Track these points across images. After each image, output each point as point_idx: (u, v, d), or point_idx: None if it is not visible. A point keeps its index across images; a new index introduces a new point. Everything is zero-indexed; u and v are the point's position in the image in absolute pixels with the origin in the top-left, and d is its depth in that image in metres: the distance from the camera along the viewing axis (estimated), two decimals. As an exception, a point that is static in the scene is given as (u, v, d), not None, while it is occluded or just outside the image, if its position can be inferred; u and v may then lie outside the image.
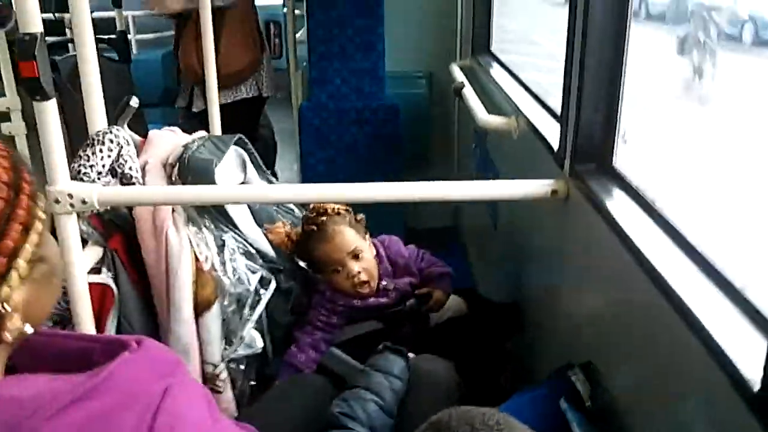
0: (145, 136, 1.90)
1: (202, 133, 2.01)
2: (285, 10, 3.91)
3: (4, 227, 0.69)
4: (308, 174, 3.34)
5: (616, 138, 1.45)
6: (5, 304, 0.69)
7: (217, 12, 2.59)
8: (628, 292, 1.20)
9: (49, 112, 1.37)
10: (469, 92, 2.49)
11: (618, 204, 1.30)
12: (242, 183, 1.99)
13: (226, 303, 1.75)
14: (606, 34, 1.40)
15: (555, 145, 1.62)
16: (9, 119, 3.09)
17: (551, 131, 1.73)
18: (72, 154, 1.63)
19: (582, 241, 1.47)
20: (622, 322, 1.24)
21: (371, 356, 1.58)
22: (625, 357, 1.22)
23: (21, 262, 0.70)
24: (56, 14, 4.04)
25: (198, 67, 2.87)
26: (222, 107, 2.48)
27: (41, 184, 0.78)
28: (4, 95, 3.08)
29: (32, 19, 1.30)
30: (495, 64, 2.79)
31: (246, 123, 3.04)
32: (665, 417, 1.04)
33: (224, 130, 2.40)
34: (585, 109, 1.45)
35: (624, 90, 1.44)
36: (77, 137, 1.95)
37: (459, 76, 2.82)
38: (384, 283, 1.90)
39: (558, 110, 1.63)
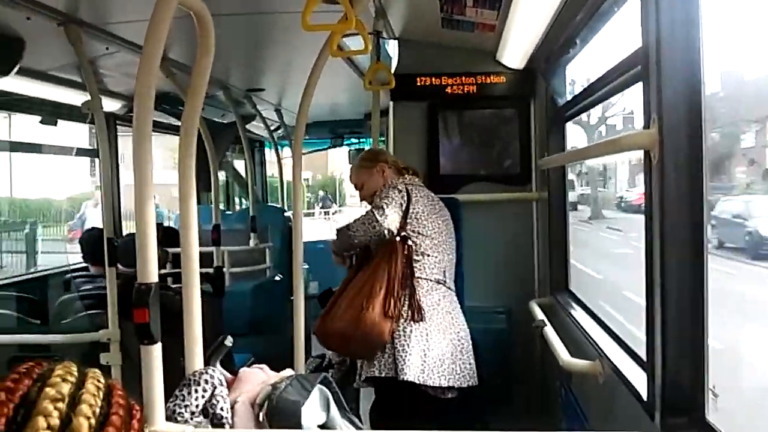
0: (229, 367, 1.96)
1: (289, 371, 2.06)
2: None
3: None
4: None
5: (706, 388, 1.42)
6: None
7: None
8: None
9: (154, 355, 1.47)
10: (550, 332, 2.50)
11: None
12: (324, 423, 2.00)
13: None
14: (685, 274, 1.43)
15: (643, 392, 1.59)
16: (108, 350, 3.25)
17: (638, 378, 1.70)
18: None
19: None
20: None
21: None
22: None
23: None
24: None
25: None
26: None
27: None
28: (107, 327, 3.26)
29: (151, 271, 1.45)
30: (575, 305, 2.82)
31: None
32: None
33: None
34: (670, 356, 1.44)
35: (709, 336, 1.43)
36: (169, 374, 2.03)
37: (539, 314, 2.85)
38: None
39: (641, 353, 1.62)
